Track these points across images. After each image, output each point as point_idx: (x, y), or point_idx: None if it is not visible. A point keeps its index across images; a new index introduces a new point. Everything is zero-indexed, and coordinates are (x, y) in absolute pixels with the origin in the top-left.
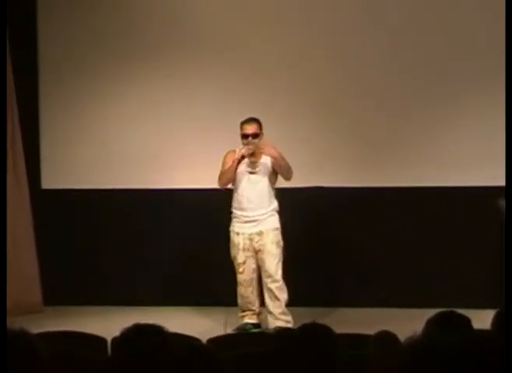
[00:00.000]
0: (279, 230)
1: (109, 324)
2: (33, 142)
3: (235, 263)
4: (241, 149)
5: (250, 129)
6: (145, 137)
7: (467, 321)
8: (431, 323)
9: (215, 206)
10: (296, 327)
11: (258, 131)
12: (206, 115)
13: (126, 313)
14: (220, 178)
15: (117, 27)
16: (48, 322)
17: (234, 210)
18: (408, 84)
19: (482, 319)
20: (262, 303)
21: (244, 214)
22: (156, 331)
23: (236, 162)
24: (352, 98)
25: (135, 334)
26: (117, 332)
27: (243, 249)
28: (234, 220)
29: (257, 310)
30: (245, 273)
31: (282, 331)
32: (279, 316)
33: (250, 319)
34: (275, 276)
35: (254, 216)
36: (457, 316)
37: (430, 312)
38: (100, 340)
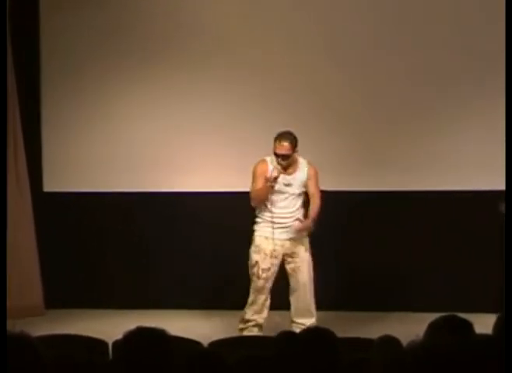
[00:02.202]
0: (308, 238)
1: (110, 327)
2: (35, 145)
3: (255, 269)
4: (272, 173)
5: (281, 149)
6: (148, 140)
7: (469, 325)
8: (433, 327)
9: (219, 209)
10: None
11: (290, 152)
12: (210, 117)
13: (128, 316)
14: (252, 199)
15: (119, 29)
16: (49, 325)
17: (263, 216)
18: (409, 88)
19: (485, 324)
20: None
21: (276, 220)
22: (158, 334)
23: (269, 187)
24: (354, 102)
25: (138, 337)
26: (118, 336)
27: (271, 256)
28: (263, 225)
29: (262, 322)
30: (266, 281)
31: (284, 334)
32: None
33: (249, 332)
34: (309, 285)
35: (286, 223)
36: (460, 320)
37: (432, 316)
38: (102, 344)
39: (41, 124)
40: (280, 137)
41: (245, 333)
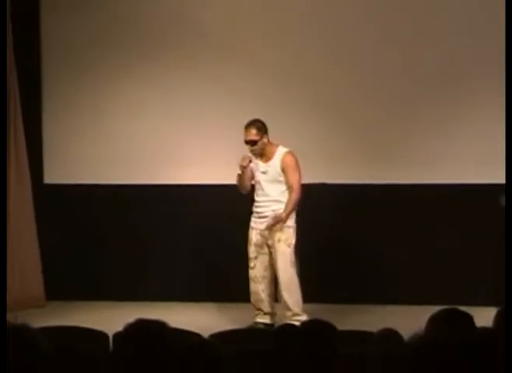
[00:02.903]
0: (291, 228)
1: (111, 319)
2: (36, 137)
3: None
4: (243, 160)
5: (248, 135)
6: (148, 133)
7: (469, 318)
8: (434, 320)
9: (218, 201)
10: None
11: (256, 138)
12: (210, 112)
13: (128, 308)
14: (237, 186)
15: (119, 25)
16: (50, 316)
17: (253, 207)
18: (412, 84)
19: (485, 317)
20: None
21: (258, 210)
22: (158, 327)
23: (242, 174)
24: (357, 96)
25: (138, 329)
26: (119, 328)
27: (255, 245)
28: (252, 215)
29: (270, 310)
30: (256, 269)
31: (283, 327)
32: (292, 317)
33: (261, 319)
34: (284, 277)
35: (264, 212)
36: (460, 314)
37: (433, 309)
38: (103, 335)
39: (42, 116)
40: (247, 124)
41: (258, 320)
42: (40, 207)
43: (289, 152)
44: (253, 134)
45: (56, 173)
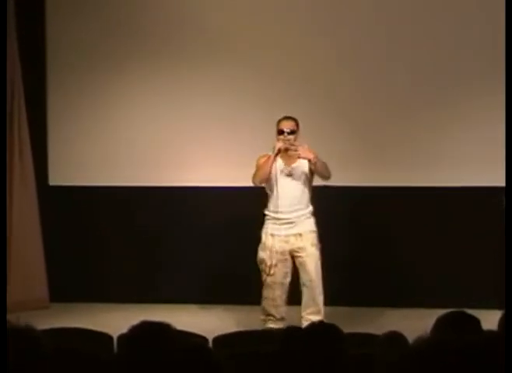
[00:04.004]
0: (316, 233)
1: (115, 321)
2: (41, 139)
3: (263, 265)
4: (278, 144)
5: (287, 125)
6: (152, 135)
7: (476, 321)
8: (440, 323)
9: (222, 203)
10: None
11: (295, 128)
12: (213, 114)
13: (132, 310)
14: (255, 175)
15: (123, 27)
16: (54, 318)
17: (269, 212)
18: (413, 86)
19: (492, 320)
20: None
21: (280, 216)
22: (163, 328)
23: (273, 157)
24: (359, 99)
25: (143, 331)
26: (123, 330)
27: (277, 252)
28: (268, 221)
29: (283, 316)
30: (276, 277)
31: (289, 329)
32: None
33: (274, 324)
34: (317, 280)
35: (290, 218)
36: (467, 317)
37: (439, 312)
38: (107, 337)
39: (47, 118)
40: (284, 117)
41: (270, 325)
42: (45, 209)
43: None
44: (292, 124)
45: (60, 175)
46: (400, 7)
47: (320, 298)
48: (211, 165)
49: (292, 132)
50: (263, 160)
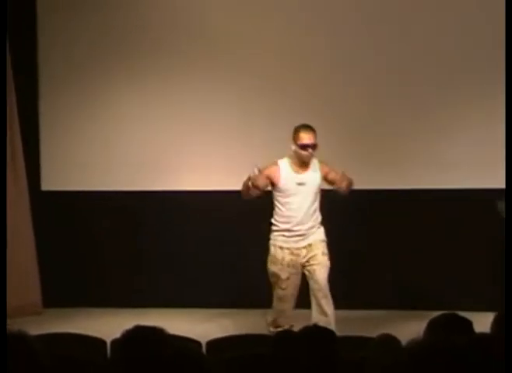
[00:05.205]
0: (326, 242)
1: (108, 326)
2: (33, 144)
3: (274, 279)
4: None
5: (310, 139)
6: (147, 139)
7: (468, 324)
8: (433, 325)
9: (218, 207)
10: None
11: (316, 142)
12: (211, 118)
13: (125, 315)
14: (241, 191)
15: (117, 29)
16: (47, 324)
17: (278, 224)
18: (411, 87)
19: (484, 322)
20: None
21: (292, 228)
22: (156, 333)
23: (252, 187)
24: (354, 101)
25: (136, 336)
26: (116, 335)
27: (288, 265)
28: (277, 234)
29: (291, 324)
30: (288, 290)
31: (282, 333)
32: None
33: None
34: (326, 290)
35: (301, 230)
36: (459, 319)
37: (432, 314)
38: (100, 342)
39: (39, 123)
40: (303, 127)
41: None
42: (38, 214)
43: (322, 162)
44: (313, 137)
45: (53, 180)
46: (400, 7)
47: (328, 304)
48: (208, 169)
49: (314, 146)
50: (266, 172)
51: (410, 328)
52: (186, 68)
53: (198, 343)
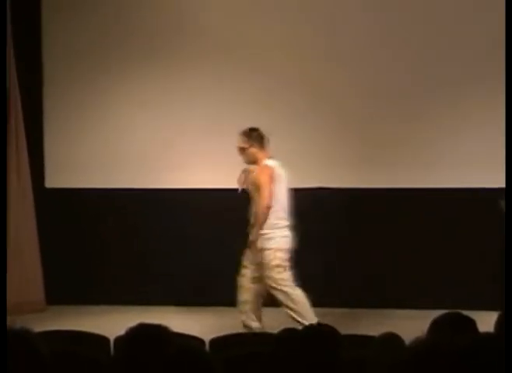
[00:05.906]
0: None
1: (112, 323)
2: (37, 141)
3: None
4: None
5: (237, 142)
6: (149, 137)
7: (472, 323)
8: (436, 324)
9: (218, 206)
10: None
11: (244, 145)
12: (212, 116)
13: (129, 313)
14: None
15: (119, 28)
16: (51, 321)
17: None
18: (411, 86)
19: (489, 321)
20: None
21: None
22: (160, 331)
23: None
24: (355, 99)
25: (139, 334)
26: (120, 332)
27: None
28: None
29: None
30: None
31: (285, 331)
32: None
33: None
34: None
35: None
36: (463, 318)
37: (435, 313)
38: (103, 340)
39: (43, 121)
40: (241, 131)
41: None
42: (41, 211)
43: (265, 167)
44: (241, 141)
45: (57, 177)
46: (400, 7)
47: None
48: (211, 167)
49: (241, 150)
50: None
51: (409, 327)
52: (186, 68)
53: (201, 341)
